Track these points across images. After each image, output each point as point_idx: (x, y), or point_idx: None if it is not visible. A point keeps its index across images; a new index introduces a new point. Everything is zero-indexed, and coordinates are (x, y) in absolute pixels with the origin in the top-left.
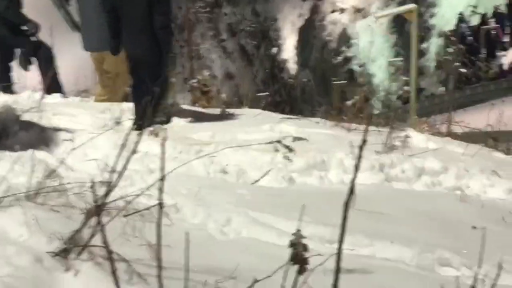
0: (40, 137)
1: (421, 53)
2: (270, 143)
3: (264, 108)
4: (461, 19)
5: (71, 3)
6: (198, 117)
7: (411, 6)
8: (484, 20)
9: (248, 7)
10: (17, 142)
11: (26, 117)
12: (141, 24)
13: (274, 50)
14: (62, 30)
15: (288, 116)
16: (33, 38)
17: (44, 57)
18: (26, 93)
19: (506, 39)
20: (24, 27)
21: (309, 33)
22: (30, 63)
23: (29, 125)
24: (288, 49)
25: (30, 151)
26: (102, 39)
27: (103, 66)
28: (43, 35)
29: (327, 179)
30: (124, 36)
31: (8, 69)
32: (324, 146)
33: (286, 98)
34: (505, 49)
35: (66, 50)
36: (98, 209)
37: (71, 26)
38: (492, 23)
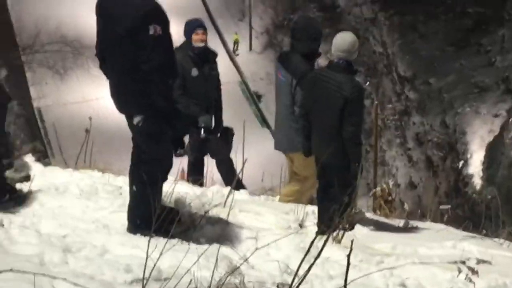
0: (226, 232)
1: None
2: (453, 262)
3: (446, 222)
4: None
5: (263, 99)
6: (380, 227)
7: None
8: None
9: (438, 118)
10: (203, 235)
11: (213, 211)
12: (331, 132)
13: (460, 163)
14: (252, 125)
15: (472, 234)
16: (204, 133)
17: (218, 157)
18: (215, 187)
19: None
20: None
21: (497, 149)
22: (202, 152)
23: (216, 220)
24: (475, 164)
25: (215, 246)
26: (293, 140)
27: (293, 167)
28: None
29: None
30: (313, 141)
31: (200, 163)
32: (507, 270)
33: (469, 213)
34: None
35: (255, 146)
36: None
37: (260, 122)
38: None
